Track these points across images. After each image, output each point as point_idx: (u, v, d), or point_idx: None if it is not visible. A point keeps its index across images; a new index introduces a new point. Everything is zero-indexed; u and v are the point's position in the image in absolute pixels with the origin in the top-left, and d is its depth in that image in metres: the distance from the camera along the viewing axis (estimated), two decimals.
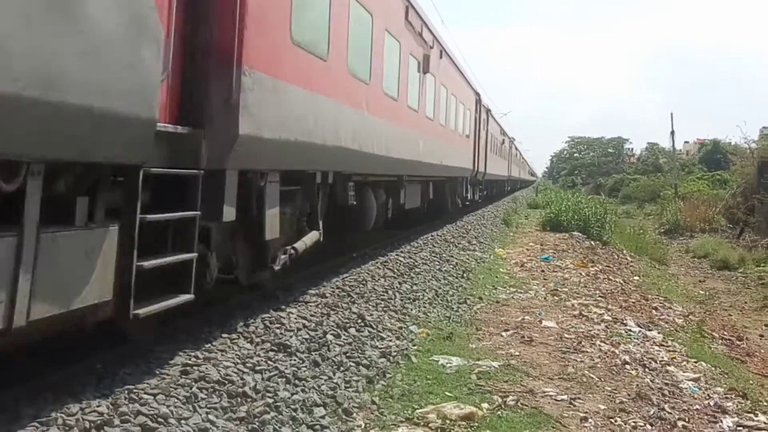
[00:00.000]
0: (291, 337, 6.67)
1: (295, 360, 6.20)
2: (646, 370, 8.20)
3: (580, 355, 8.24)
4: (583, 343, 8.82)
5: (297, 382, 5.78)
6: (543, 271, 15.01)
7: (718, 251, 25.03)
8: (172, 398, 4.80)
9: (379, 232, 14.08)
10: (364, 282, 9.83)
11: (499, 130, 40.16)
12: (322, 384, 5.95)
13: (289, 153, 7.44)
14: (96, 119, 4.17)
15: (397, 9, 12.72)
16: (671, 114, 75.31)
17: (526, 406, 6.28)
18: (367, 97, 10.55)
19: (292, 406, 5.32)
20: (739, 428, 6.96)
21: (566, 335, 9.14)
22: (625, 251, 22.56)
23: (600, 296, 12.77)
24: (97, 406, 4.46)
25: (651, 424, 6.40)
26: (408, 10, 13.25)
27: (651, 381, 7.74)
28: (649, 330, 10.75)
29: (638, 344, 9.45)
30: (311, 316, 7.52)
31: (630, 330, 10.32)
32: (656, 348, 9.60)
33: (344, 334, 7.35)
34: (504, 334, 8.98)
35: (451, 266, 13.58)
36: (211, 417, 4.75)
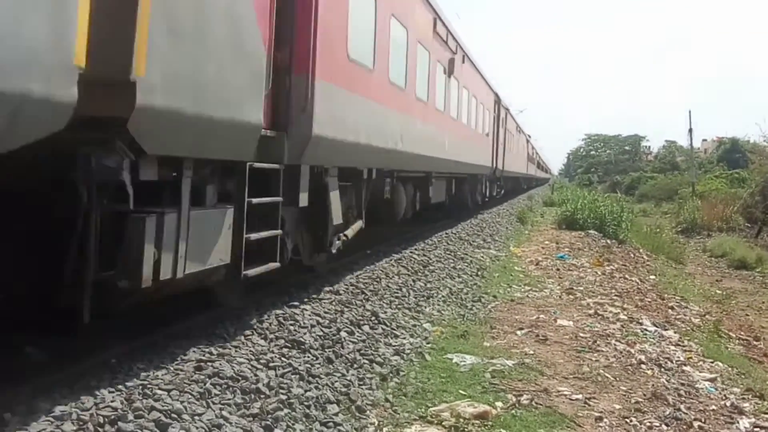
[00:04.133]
0: (305, 333, 6.66)
1: (308, 357, 6.19)
2: (662, 369, 8.14)
3: (595, 355, 8.19)
4: (598, 342, 8.76)
5: (310, 378, 5.77)
6: (558, 269, 14.94)
7: (735, 250, 24.88)
8: (185, 394, 4.80)
9: (394, 227, 14.18)
10: (378, 279, 9.82)
11: (515, 128, 40.21)
12: (336, 381, 5.94)
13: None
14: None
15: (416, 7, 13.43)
16: (689, 112, 74.78)
17: (541, 405, 6.25)
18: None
19: (306, 403, 5.31)
20: (755, 429, 6.89)
21: (581, 334, 9.09)
22: (641, 250, 22.45)
23: (616, 295, 12.70)
24: (111, 401, 4.47)
25: (666, 425, 6.35)
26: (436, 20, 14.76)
27: (667, 381, 7.68)
28: (666, 329, 10.68)
29: (654, 344, 9.38)
30: (325, 313, 7.51)
31: (646, 329, 10.25)
32: (672, 348, 9.53)
33: (358, 332, 7.34)
34: (518, 332, 8.94)
35: (466, 264, 13.55)
36: (224, 413, 4.75)
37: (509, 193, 41.36)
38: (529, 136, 56.61)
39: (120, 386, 4.81)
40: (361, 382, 6.14)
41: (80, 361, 5.27)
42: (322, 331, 6.92)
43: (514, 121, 39.47)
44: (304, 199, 7.66)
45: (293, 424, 4.96)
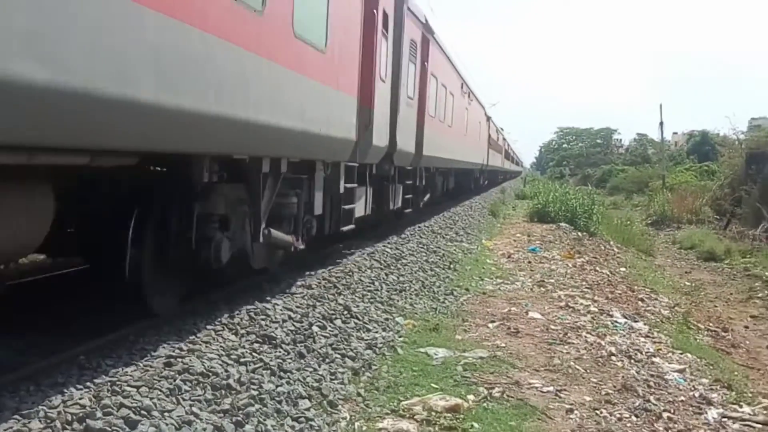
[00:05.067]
0: (276, 328, 6.63)
1: (280, 352, 6.16)
2: (632, 361, 8.22)
3: (566, 347, 8.25)
4: (569, 334, 8.83)
5: (282, 374, 5.74)
6: (530, 262, 15.03)
7: (704, 243, 25.15)
8: (155, 390, 4.75)
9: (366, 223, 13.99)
10: (350, 273, 9.79)
11: (460, 86, 24.12)
12: (308, 376, 5.92)
13: None
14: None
15: None
16: (660, 105, 75.39)
17: (512, 397, 6.29)
18: None
19: (277, 399, 5.29)
20: (723, 419, 6.99)
21: (552, 327, 9.16)
22: (611, 242, 22.63)
23: (586, 287, 12.80)
24: (80, 399, 4.42)
25: (636, 416, 6.41)
26: None
27: (636, 372, 7.76)
28: (635, 321, 10.78)
29: (624, 336, 9.48)
30: (297, 307, 7.48)
31: (616, 321, 10.35)
32: (642, 339, 9.63)
33: (330, 326, 7.32)
34: (490, 325, 8.98)
35: (438, 257, 13.57)
36: (194, 409, 4.71)
37: (449, 200, 26.10)
38: (498, 127, 52.03)
39: (88, 383, 4.76)
40: (333, 377, 6.13)
41: (47, 357, 5.21)
42: (293, 325, 6.89)
43: (452, 66, 21.87)
44: None
45: (264, 420, 4.94)
